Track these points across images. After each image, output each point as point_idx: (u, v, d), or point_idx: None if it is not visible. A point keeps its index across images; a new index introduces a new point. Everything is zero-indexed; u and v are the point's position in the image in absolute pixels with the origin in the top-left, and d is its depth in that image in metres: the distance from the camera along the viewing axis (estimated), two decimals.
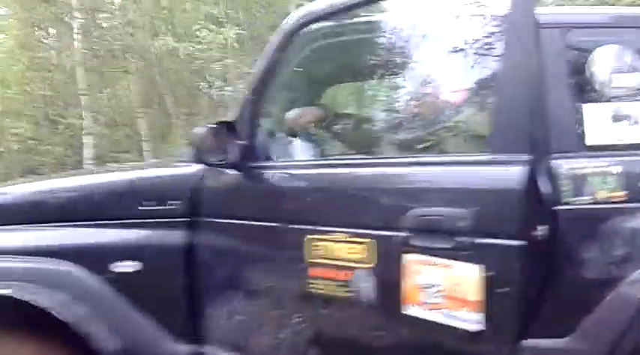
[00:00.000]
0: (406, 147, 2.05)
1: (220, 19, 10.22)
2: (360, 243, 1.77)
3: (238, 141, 2.06)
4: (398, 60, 2.06)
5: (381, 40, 2.14)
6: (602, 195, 1.80)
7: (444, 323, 1.61)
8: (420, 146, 1.98)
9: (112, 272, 2.18)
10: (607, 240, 1.75)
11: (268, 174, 2.10)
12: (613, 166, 1.80)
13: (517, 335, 1.59)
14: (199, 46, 9.56)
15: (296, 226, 1.92)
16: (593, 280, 1.73)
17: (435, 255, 1.62)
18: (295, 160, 2.36)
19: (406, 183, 1.79)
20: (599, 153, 1.81)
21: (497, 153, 1.63)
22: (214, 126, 2.03)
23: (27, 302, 2.10)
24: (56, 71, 12.00)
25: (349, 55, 2.41)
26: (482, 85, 1.83)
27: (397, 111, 2.24)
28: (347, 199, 1.85)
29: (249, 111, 2.13)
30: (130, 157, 11.99)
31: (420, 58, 2.05)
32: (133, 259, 2.19)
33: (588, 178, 1.78)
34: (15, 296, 2.12)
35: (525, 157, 1.58)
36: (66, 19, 10.96)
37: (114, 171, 2.79)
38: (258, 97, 2.14)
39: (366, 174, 1.89)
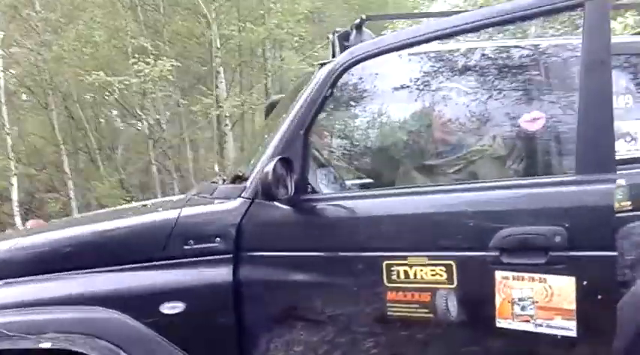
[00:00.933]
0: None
1: (153, 52, 10.11)
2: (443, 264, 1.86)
3: (296, 175, 2.10)
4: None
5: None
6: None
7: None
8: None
9: (161, 314, 2.15)
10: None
11: (325, 206, 2.14)
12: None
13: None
14: (135, 80, 9.39)
15: (370, 254, 1.98)
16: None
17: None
18: (359, 191, 2.42)
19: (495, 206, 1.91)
20: None
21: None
22: (278, 162, 2.05)
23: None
24: None
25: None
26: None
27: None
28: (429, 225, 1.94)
29: (301, 145, 2.17)
30: (57, 196, 11.50)
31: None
32: (182, 300, 2.16)
33: None
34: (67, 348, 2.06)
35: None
36: None
37: (152, 211, 2.71)
38: (307, 132, 2.19)
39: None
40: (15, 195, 10.16)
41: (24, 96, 12.58)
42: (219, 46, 11.47)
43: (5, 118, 9.94)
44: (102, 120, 13.94)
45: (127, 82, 9.59)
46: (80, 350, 2.07)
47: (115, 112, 15.17)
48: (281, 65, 13.54)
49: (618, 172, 2.06)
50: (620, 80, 2.33)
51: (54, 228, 2.69)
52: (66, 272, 2.24)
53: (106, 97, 13.52)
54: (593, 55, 1.87)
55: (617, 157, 2.13)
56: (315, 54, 10.58)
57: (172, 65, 9.42)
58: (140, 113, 11.31)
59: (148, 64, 9.16)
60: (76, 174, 12.32)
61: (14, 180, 10.17)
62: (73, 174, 12.04)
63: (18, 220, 9.75)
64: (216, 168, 10.70)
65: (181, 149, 12.49)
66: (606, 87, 1.87)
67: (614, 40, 2.16)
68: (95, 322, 2.13)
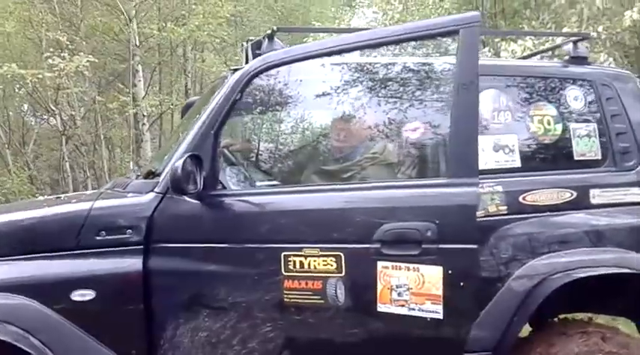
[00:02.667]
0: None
1: (69, 47, 9.89)
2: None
3: (204, 172, 2.27)
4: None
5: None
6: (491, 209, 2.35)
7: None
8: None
9: (71, 301, 2.25)
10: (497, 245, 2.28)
11: (232, 201, 2.33)
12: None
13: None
14: (49, 74, 9.16)
15: (270, 245, 2.18)
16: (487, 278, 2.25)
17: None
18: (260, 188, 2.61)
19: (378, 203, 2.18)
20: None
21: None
22: (188, 158, 2.21)
23: None
24: None
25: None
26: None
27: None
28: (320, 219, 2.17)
29: (211, 144, 2.34)
30: None
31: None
32: (92, 288, 2.27)
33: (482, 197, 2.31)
34: None
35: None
36: None
37: (65, 202, 2.78)
38: (217, 132, 2.36)
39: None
40: None
41: None
42: (138, 44, 11.35)
43: None
44: (10, 113, 13.36)
45: (40, 76, 9.33)
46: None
47: (25, 106, 14.65)
48: (202, 67, 13.53)
49: (498, 179, 2.39)
50: (501, 98, 2.65)
51: None
52: None
53: (16, 90, 13.09)
54: (464, 75, 2.17)
55: (497, 167, 2.47)
56: (236, 58, 10.70)
57: (89, 61, 9.25)
58: (53, 108, 10.99)
59: (63, 58, 8.96)
60: None
61: None
62: None
63: None
64: (132, 166, 10.58)
65: (96, 147, 12.23)
66: (473, 104, 2.18)
67: (500, 62, 2.47)
68: (6, 308, 2.20)
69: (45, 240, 2.34)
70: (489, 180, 2.41)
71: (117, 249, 2.32)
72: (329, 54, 2.42)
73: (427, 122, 2.43)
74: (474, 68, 2.19)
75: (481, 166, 2.38)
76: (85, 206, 2.44)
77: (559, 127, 2.64)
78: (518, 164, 2.54)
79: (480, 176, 2.29)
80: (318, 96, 2.62)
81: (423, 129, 2.41)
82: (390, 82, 2.54)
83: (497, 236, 2.37)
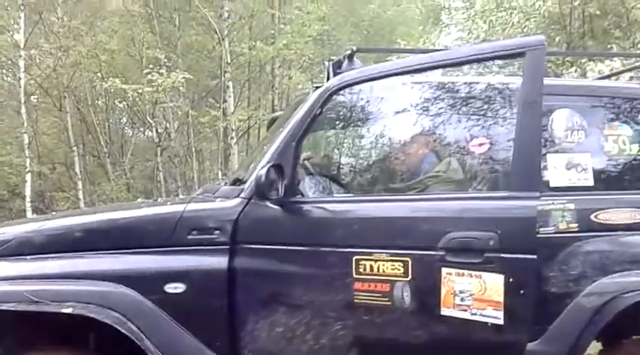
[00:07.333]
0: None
1: (166, 64, 10.56)
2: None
3: (285, 180, 2.48)
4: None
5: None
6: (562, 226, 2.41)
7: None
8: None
9: (165, 293, 2.49)
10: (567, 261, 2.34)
11: (310, 207, 2.52)
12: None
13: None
14: (148, 89, 9.83)
15: (343, 249, 2.36)
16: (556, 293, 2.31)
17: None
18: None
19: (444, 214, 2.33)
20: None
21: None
22: (271, 167, 2.42)
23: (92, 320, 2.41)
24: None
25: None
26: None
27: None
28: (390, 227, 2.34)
29: (292, 155, 2.54)
30: (66, 195, 11.89)
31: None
32: (183, 282, 2.50)
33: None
34: (86, 314, 2.42)
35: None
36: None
37: (161, 204, 3.09)
38: (298, 144, 2.57)
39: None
40: (28, 191, 10.56)
41: (33, 98, 12.97)
42: (229, 61, 11.91)
43: (24, 118, 10.38)
44: (110, 125, 14.32)
45: (140, 91, 10.01)
46: (95, 317, 2.41)
47: (124, 119, 15.65)
48: (288, 84, 13.99)
49: (570, 197, 2.46)
50: (575, 117, 2.70)
51: (76, 214, 3.06)
52: (86, 252, 2.60)
53: (117, 104, 14.03)
54: (528, 95, 2.29)
55: (570, 184, 2.53)
56: (321, 75, 10.97)
57: (184, 77, 9.85)
58: (150, 121, 11.72)
59: (161, 74, 9.59)
60: (85, 175, 12.72)
61: (28, 177, 10.58)
62: (82, 176, 12.44)
63: (29, 216, 10.12)
64: (220, 177, 11.07)
65: (188, 159, 12.89)
66: (537, 122, 2.28)
67: (574, 82, 2.53)
68: (109, 295, 2.46)
69: (143, 237, 2.59)
70: (561, 198, 2.47)
71: (205, 247, 2.54)
72: (399, 73, 2.58)
73: (492, 138, 2.55)
74: (539, 88, 2.30)
75: (553, 184, 2.46)
76: (178, 208, 2.69)
77: (634, 148, 2.66)
78: (591, 183, 2.58)
79: (552, 193, 2.37)
80: (388, 113, 2.78)
81: (489, 144, 2.53)
82: (457, 101, 2.67)
83: (568, 252, 2.43)
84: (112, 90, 9.92)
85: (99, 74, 11.26)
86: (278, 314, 2.49)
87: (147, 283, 2.51)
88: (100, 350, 2.63)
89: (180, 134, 12.90)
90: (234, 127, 12.22)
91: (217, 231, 2.56)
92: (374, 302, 2.30)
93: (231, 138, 12.30)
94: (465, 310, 2.14)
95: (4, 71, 14.03)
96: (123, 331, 2.43)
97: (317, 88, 2.71)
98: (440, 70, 2.73)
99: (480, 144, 2.54)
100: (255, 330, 2.51)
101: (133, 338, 2.43)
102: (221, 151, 12.84)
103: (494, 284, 2.10)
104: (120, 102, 14.00)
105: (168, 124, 12.14)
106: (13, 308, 2.45)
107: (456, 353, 2.24)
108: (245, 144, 14.48)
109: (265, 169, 2.40)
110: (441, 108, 2.67)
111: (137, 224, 2.68)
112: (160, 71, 9.76)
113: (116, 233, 2.64)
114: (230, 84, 12.15)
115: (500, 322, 2.10)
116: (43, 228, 2.72)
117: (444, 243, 2.21)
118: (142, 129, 14.29)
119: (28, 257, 2.60)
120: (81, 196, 11.67)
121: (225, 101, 11.97)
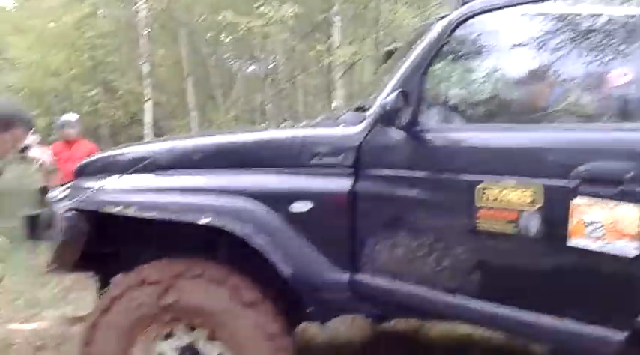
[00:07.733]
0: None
1: None
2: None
3: (410, 107, 2.50)
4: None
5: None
6: None
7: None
8: None
9: (292, 210, 2.65)
10: None
11: (434, 135, 2.54)
12: None
13: None
14: (259, 22, 9.96)
15: (467, 176, 2.38)
16: None
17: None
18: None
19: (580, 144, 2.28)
20: None
21: None
22: (398, 93, 2.45)
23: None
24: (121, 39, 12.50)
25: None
26: None
27: None
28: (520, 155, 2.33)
29: (418, 83, 2.56)
30: (179, 124, 12.51)
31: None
32: (310, 200, 2.64)
33: None
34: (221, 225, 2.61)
35: None
36: None
37: (287, 128, 3.24)
38: (424, 73, 2.57)
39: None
40: (148, 118, 11.22)
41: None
42: None
43: (144, 49, 10.89)
44: (219, 58, 14.73)
45: (251, 24, 10.17)
46: (231, 228, 2.61)
47: (231, 53, 15.99)
48: (393, 19, 13.66)
49: None
50: None
51: (210, 133, 3.26)
52: (220, 169, 2.80)
53: (224, 37, 14.32)
54: None
55: None
56: (428, 12, 10.64)
57: (294, 11, 9.88)
58: (259, 54, 11.93)
59: (272, 7, 9.66)
60: (197, 106, 13.27)
61: (148, 105, 11.20)
62: (195, 106, 12.99)
63: None
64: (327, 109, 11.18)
65: (294, 92, 13.09)
66: None
67: None
68: (244, 209, 2.65)
69: (274, 156, 2.75)
70: None
71: (330, 170, 2.66)
72: (530, 2, 2.50)
73: (634, 69, 2.41)
74: None
75: None
76: (305, 131, 2.83)
77: None
78: None
79: None
80: (518, 44, 2.69)
81: (632, 76, 2.40)
82: (593, 33, 2.54)
83: None
84: (224, 23, 10.12)
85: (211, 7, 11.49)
86: (399, 236, 2.57)
87: (275, 199, 2.66)
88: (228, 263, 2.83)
89: (286, 68, 13.06)
90: (338, 63, 12.21)
91: (342, 155, 2.65)
92: (497, 229, 2.32)
93: (336, 73, 12.31)
94: (596, 241, 2.11)
95: (121, 4, 14.65)
96: (253, 244, 2.61)
97: (442, 17, 2.67)
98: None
99: (621, 75, 2.43)
100: (376, 251, 2.61)
101: (262, 252, 2.61)
102: (325, 87, 12.91)
103: (629, 216, 2.05)
104: (227, 37, 14.27)
105: (275, 58, 12.30)
106: (157, 217, 2.69)
107: (581, 284, 2.23)
108: (349, 80, 14.46)
109: (393, 95, 2.43)
110: (576, 39, 2.55)
111: (268, 144, 2.83)
112: (272, 4, 9.83)
113: (249, 152, 2.82)
114: (336, 19, 12.06)
115: (633, 255, 2.06)
116: (181, 146, 2.94)
117: (578, 173, 2.17)
118: (249, 62, 14.57)
119: (169, 171, 2.82)
120: (194, 125, 12.23)
121: (330, 36, 11.93)
